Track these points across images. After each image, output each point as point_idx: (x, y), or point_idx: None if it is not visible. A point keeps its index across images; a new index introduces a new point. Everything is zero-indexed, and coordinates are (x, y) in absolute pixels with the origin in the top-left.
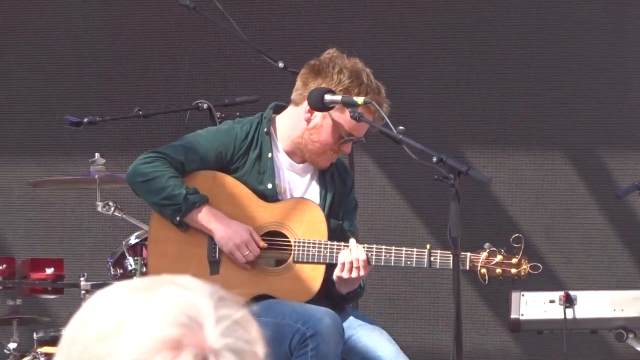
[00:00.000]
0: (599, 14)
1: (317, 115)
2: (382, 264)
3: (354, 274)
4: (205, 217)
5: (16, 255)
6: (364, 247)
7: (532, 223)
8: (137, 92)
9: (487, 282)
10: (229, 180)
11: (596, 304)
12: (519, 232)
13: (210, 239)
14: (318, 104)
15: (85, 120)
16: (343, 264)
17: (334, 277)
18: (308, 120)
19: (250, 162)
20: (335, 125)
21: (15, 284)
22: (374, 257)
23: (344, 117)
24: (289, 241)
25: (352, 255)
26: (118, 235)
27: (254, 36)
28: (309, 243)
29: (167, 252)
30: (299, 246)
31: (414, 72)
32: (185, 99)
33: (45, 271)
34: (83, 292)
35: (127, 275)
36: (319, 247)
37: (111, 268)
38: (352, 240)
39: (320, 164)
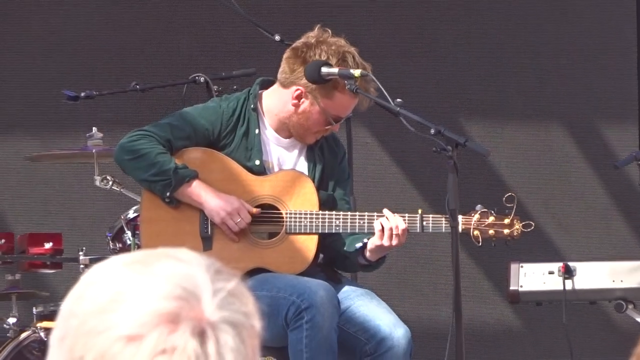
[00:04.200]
0: None
1: (306, 101)
2: (374, 231)
3: (394, 242)
4: (195, 190)
5: (15, 230)
6: (354, 215)
7: (531, 194)
8: (134, 66)
9: (480, 244)
10: (218, 156)
11: (595, 275)
12: (518, 204)
13: (202, 215)
14: (315, 77)
15: (83, 94)
16: (382, 231)
17: (371, 245)
18: (296, 106)
19: (237, 138)
20: (324, 111)
21: (14, 258)
22: (365, 224)
23: (332, 104)
24: (281, 213)
25: (392, 223)
26: (116, 210)
27: (250, 9)
28: (301, 214)
29: (160, 231)
30: (290, 217)
31: (412, 44)
32: (182, 72)
33: (44, 246)
34: (82, 266)
35: (126, 249)
36: (310, 218)
37: (110, 242)
38: (386, 210)
39: (306, 140)
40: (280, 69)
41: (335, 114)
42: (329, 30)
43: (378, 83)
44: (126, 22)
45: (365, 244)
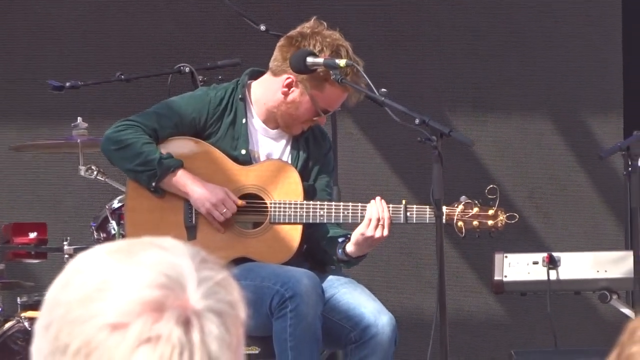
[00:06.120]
0: None
1: (295, 90)
2: (358, 221)
3: (378, 233)
4: (180, 180)
5: None
6: (339, 206)
7: (515, 185)
8: (118, 56)
9: (464, 235)
10: (204, 146)
11: (579, 265)
12: (502, 195)
13: (187, 204)
14: (300, 67)
15: (67, 84)
16: (370, 220)
17: (358, 234)
18: (285, 94)
19: (224, 127)
20: (313, 102)
21: None
22: (350, 214)
23: (321, 95)
24: (265, 203)
25: (380, 213)
26: (101, 199)
27: None
28: (285, 204)
29: (144, 221)
30: (275, 207)
31: (395, 34)
32: (167, 62)
33: (28, 235)
34: (66, 256)
35: (110, 239)
36: (295, 208)
37: (94, 232)
38: (378, 198)
39: (292, 131)
40: (273, 57)
41: (324, 106)
42: (325, 23)
43: (363, 73)
44: (111, 12)
45: (347, 238)
